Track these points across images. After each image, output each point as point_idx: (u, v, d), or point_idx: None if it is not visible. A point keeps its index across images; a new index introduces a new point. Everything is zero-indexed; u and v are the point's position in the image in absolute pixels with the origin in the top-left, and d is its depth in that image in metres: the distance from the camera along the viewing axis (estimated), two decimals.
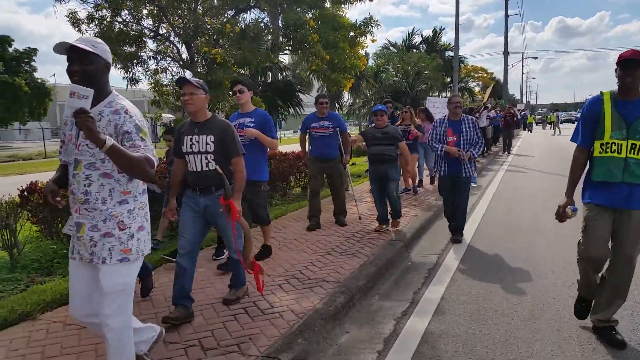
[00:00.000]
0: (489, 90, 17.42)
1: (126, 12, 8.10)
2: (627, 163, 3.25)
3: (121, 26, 7.69)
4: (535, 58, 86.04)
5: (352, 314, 4.06)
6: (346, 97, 21.48)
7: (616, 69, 3.24)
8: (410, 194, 9.14)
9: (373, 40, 9.35)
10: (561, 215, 3.58)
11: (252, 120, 4.99)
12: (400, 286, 4.72)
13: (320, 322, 3.64)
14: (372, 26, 8.79)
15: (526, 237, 6.35)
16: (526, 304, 4.14)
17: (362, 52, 9.89)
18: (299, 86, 12.30)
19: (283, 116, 11.51)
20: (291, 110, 11.19)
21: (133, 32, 7.70)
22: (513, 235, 6.48)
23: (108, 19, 7.95)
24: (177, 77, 8.77)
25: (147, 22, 8.37)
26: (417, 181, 9.64)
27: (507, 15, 37.28)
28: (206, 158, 3.74)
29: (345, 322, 3.90)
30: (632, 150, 3.24)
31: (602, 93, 3.39)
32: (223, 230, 3.91)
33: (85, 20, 7.96)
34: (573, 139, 3.53)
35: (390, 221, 6.42)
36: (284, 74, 12.34)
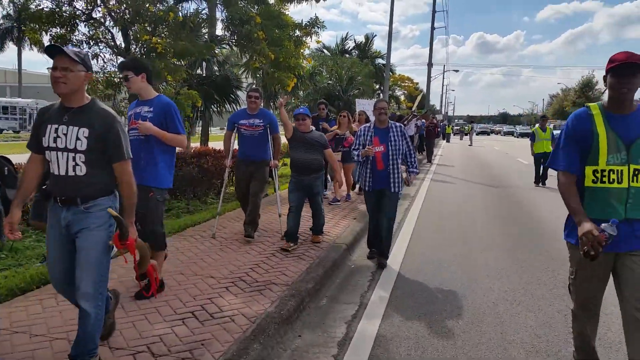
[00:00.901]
0: (418, 99, 18.03)
1: None
2: (630, 194, 2.59)
3: (52, 6, 7.09)
4: (457, 71, 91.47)
5: (303, 317, 4.00)
6: (280, 97, 21.40)
7: (605, 77, 2.63)
8: (343, 200, 8.85)
9: (318, 42, 9.36)
10: (597, 243, 2.42)
11: (151, 110, 4.00)
12: (347, 289, 4.73)
13: (274, 327, 3.56)
14: (318, 27, 8.80)
15: (460, 241, 6.61)
16: (468, 307, 4.30)
17: (305, 52, 9.86)
18: (236, 82, 12.06)
19: (218, 111, 11.20)
20: (227, 106, 10.93)
21: (65, 14, 7.13)
22: (447, 239, 6.73)
23: None
24: (109, 64, 8.27)
25: (80, 4, 7.80)
26: (351, 187, 9.41)
27: (433, 29, 38.94)
28: (74, 159, 2.74)
29: (297, 326, 3.84)
30: (635, 178, 2.59)
31: (588, 107, 2.75)
32: (85, 261, 2.76)
33: None
34: (553, 165, 2.78)
35: (311, 235, 6.03)
36: (224, 67, 12.04)
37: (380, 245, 5.50)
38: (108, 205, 2.84)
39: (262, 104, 6.07)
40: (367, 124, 5.52)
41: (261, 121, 5.92)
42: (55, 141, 2.74)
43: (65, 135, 2.73)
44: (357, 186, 9.77)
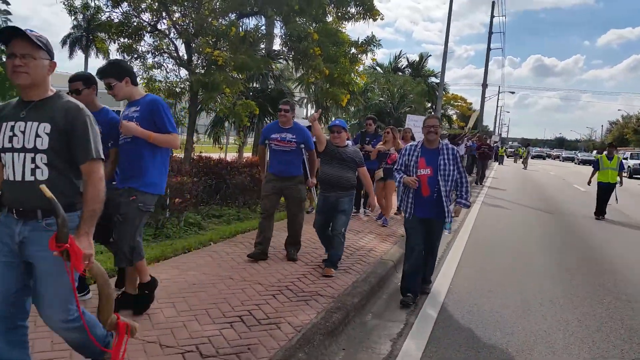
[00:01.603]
0: (474, 117, 17.67)
1: (126, 4, 7.95)
2: None
3: (121, 17, 7.53)
4: (513, 93, 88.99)
5: (347, 331, 4.00)
6: (332, 113, 21.61)
7: None
8: (380, 224, 8.21)
9: (373, 59, 9.43)
10: None
11: (138, 109, 3.61)
12: (393, 307, 4.69)
13: (319, 338, 3.58)
14: (375, 46, 8.89)
15: (512, 267, 6.43)
16: (519, 334, 4.17)
17: (360, 69, 9.95)
18: (289, 96, 12.30)
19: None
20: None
21: (134, 25, 7.55)
22: (499, 263, 6.56)
23: (106, 9, 7.80)
24: (172, 74, 8.64)
25: (146, 16, 8.22)
26: (389, 212, 8.69)
27: (489, 49, 38.27)
28: (33, 160, 2.32)
29: (342, 339, 3.85)
30: None
31: None
32: (44, 286, 2.36)
33: (82, 9, 7.76)
34: None
35: (324, 267, 5.18)
36: (278, 82, 12.33)
37: (417, 282, 4.85)
38: (75, 223, 2.34)
39: (295, 116, 5.63)
40: (415, 142, 4.86)
41: (294, 137, 5.43)
42: (11, 140, 2.32)
43: (23, 132, 2.31)
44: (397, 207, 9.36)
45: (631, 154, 34.57)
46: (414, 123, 11.65)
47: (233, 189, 8.01)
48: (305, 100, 32.68)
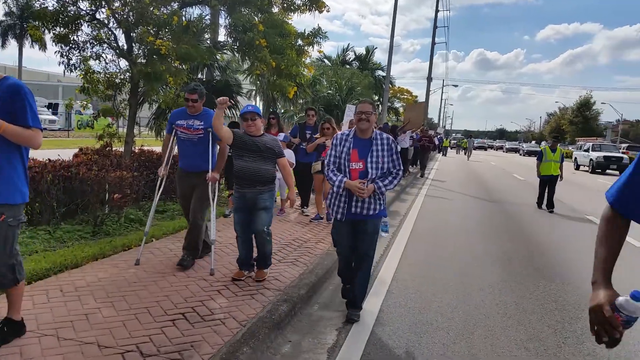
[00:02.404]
0: (420, 109, 17.96)
1: None
2: None
3: (57, 6, 7.13)
4: (456, 86, 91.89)
5: (294, 323, 4.00)
6: (279, 105, 21.50)
7: None
8: (324, 222, 7.68)
9: (320, 52, 9.38)
10: (609, 325, 1.54)
11: None
12: (339, 297, 4.71)
13: (265, 331, 3.56)
14: (321, 37, 8.87)
15: (454, 254, 6.63)
16: (460, 318, 4.31)
17: (306, 61, 9.91)
18: (235, 87, 12.11)
19: None
20: (227, 112, 10.97)
21: (68, 14, 7.16)
22: (442, 251, 6.75)
23: None
24: (111, 64, 8.30)
25: (84, 5, 7.84)
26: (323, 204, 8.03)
27: (433, 44, 39.20)
28: None
29: (288, 331, 3.84)
30: None
31: None
32: None
33: None
34: (607, 192, 1.83)
35: (255, 270, 4.78)
36: (224, 73, 12.10)
37: (352, 292, 4.21)
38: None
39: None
40: (346, 131, 4.17)
41: (202, 123, 4.85)
42: None
43: None
44: None
45: (593, 145, 29.54)
46: (353, 112, 11.22)
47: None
48: (254, 92, 32.35)
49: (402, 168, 4.14)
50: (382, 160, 3.99)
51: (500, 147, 75.37)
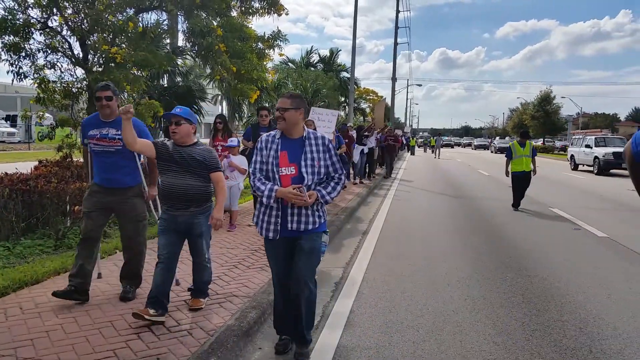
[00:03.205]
0: (381, 108, 17.87)
1: None
2: None
3: (4, 13, 6.86)
4: (420, 85, 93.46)
5: (264, 329, 3.95)
6: (245, 109, 21.38)
7: None
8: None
9: (281, 54, 9.38)
10: None
11: None
12: None
13: (233, 339, 3.49)
14: (281, 40, 8.83)
15: (423, 252, 6.68)
16: (429, 316, 4.33)
17: (268, 65, 9.87)
18: (198, 93, 11.95)
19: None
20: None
21: (19, 22, 6.91)
22: (411, 250, 6.80)
23: None
24: (67, 73, 8.06)
25: (35, 12, 7.58)
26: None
27: (396, 44, 39.73)
28: None
29: (257, 339, 3.79)
30: None
31: None
32: None
33: None
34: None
35: (190, 299, 4.13)
36: (186, 78, 11.94)
37: (294, 327, 3.45)
38: None
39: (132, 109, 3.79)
40: (272, 132, 3.46)
41: (118, 132, 4.02)
42: None
43: None
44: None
45: (596, 138, 23.43)
46: (318, 117, 10.58)
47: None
48: (219, 97, 32.02)
49: (344, 172, 3.48)
50: (318, 164, 3.33)
51: (468, 144, 74.02)
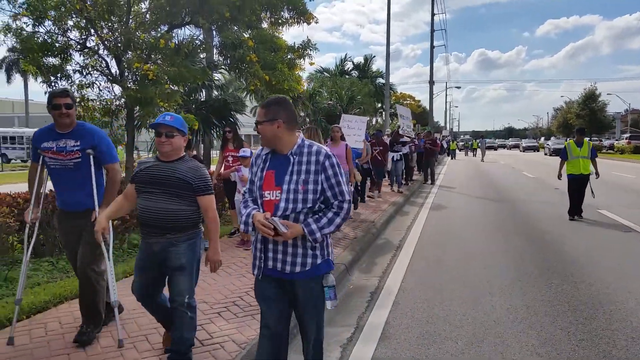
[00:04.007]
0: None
1: (49, 22, 7.59)
2: None
3: (45, 37, 7.16)
4: (459, 88, 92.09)
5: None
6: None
7: None
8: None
9: (311, 64, 9.31)
10: None
11: None
12: (344, 311, 4.60)
13: None
14: (311, 49, 8.83)
15: (463, 260, 6.47)
16: (468, 326, 4.15)
17: (300, 74, 9.88)
18: (234, 105, 12.10)
19: (218, 135, 11.22)
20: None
21: (58, 44, 7.19)
22: (450, 256, 6.59)
23: (28, 29, 7.40)
24: (105, 91, 8.31)
25: (74, 34, 7.88)
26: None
27: (432, 47, 39.23)
28: None
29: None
30: None
31: None
32: None
33: (1, 31, 7.34)
34: None
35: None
36: (220, 92, 12.13)
37: None
38: None
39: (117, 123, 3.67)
40: (261, 148, 2.75)
41: (77, 143, 3.58)
42: None
43: None
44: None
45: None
46: (348, 124, 10.09)
47: None
48: (258, 109, 32.43)
49: (348, 198, 2.60)
50: (303, 188, 2.52)
51: (515, 146, 65.19)
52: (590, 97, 53.95)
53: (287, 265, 2.56)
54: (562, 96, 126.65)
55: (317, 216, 2.55)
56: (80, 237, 3.70)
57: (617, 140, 37.89)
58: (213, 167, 9.19)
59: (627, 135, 39.89)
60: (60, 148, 3.58)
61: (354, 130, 10.11)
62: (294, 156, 2.60)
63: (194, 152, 5.89)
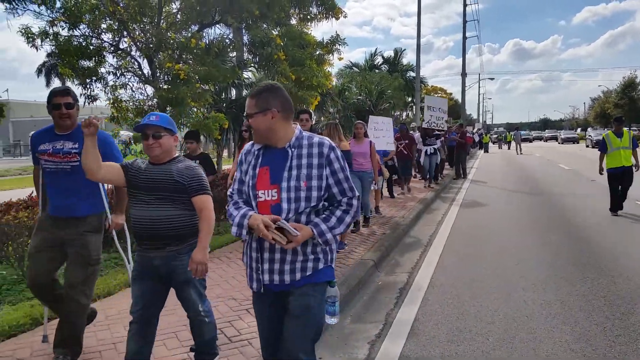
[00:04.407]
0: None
1: (84, 25, 7.83)
2: None
3: (80, 40, 7.40)
4: (492, 79, 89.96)
5: (324, 338, 3.88)
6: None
7: None
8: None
9: (340, 59, 9.24)
10: None
11: None
12: (372, 307, 4.60)
13: None
14: (340, 44, 8.82)
15: (495, 254, 6.36)
16: (500, 322, 4.09)
17: (328, 70, 9.87)
18: None
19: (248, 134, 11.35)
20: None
21: (92, 47, 7.42)
22: (482, 251, 6.49)
23: (64, 33, 7.66)
24: (138, 92, 8.52)
25: (107, 36, 8.11)
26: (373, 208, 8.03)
27: (464, 38, 38.48)
28: None
29: (318, 348, 3.70)
30: None
31: None
32: None
33: (39, 36, 7.61)
34: None
35: None
36: (251, 90, 12.28)
37: None
38: None
39: (102, 123, 3.20)
40: (251, 143, 2.45)
41: (75, 145, 3.28)
42: None
43: None
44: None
45: None
46: (375, 126, 9.54)
47: (213, 202, 7.91)
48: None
49: (358, 194, 2.36)
50: (305, 184, 2.22)
51: (553, 138, 59.67)
52: (630, 86, 52.07)
53: (286, 275, 2.24)
54: (599, 85, 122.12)
55: (324, 215, 2.28)
56: (59, 247, 3.30)
57: None
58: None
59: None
60: (57, 150, 3.29)
61: (382, 132, 9.60)
62: (292, 149, 2.28)
63: (200, 150, 5.94)
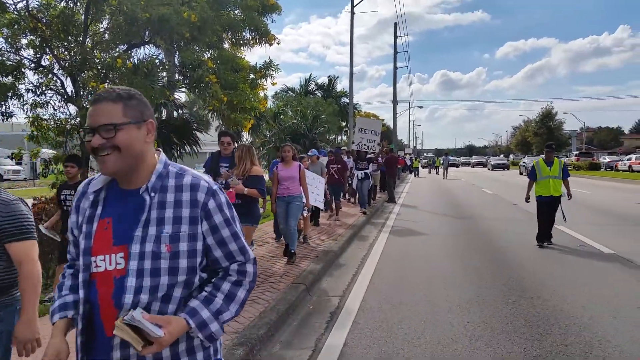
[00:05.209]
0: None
1: (1, 40, 7.40)
2: None
3: None
4: (421, 107, 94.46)
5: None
6: (245, 136, 21.48)
7: None
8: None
9: (273, 84, 9.24)
10: None
11: None
12: (302, 333, 4.55)
13: None
14: (273, 70, 8.85)
15: (424, 278, 6.51)
16: (426, 345, 4.16)
17: (262, 94, 9.87)
18: (196, 124, 11.97)
19: (179, 154, 11.06)
20: (187, 149, 10.80)
21: (10, 63, 6.99)
22: (412, 269, 6.62)
23: None
24: (59, 110, 8.11)
25: (28, 53, 7.69)
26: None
27: (395, 68, 39.95)
28: None
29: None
30: None
31: None
32: None
33: None
34: None
35: None
36: (180, 111, 11.99)
37: None
38: None
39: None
40: (96, 177, 1.67)
41: None
42: None
43: None
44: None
45: None
46: (360, 128, 8.99)
47: None
48: (223, 127, 32.27)
49: (252, 257, 1.68)
50: (169, 249, 1.50)
51: (480, 164, 60.27)
52: (547, 116, 56.10)
53: None
54: (520, 115, 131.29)
55: (205, 294, 1.56)
56: None
57: (567, 157, 40.74)
58: None
59: (576, 152, 42.63)
60: None
61: (367, 134, 9.17)
62: (152, 194, 1.53)
63: (80, 177, 5.04)
